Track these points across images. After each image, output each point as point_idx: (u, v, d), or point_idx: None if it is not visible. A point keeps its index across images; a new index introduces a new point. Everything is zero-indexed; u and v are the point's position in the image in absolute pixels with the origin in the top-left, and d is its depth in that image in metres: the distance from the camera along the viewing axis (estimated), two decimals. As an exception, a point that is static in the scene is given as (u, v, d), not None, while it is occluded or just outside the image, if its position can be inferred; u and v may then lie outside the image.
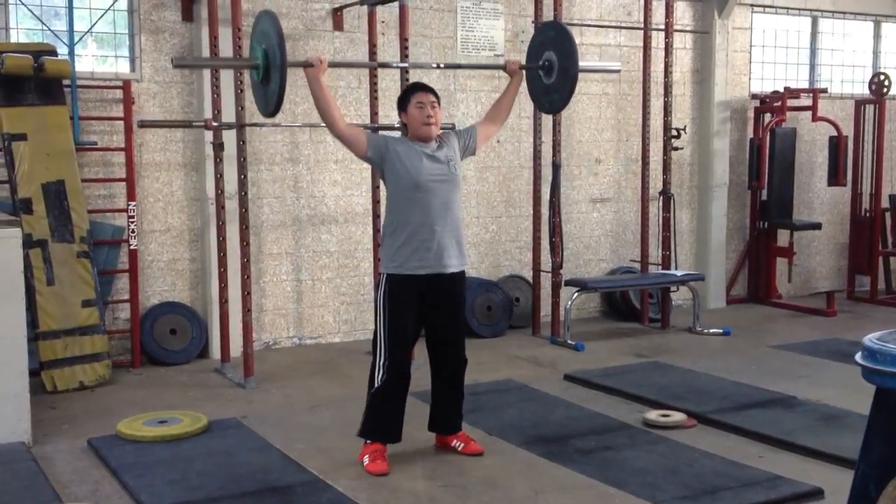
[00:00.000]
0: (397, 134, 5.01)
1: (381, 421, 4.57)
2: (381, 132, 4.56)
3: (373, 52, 6.77)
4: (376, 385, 4.53)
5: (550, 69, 4.97)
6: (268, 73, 4.37)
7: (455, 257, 4.57)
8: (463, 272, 4.67)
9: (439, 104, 4.60)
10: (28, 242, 5.88)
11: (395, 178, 4.51)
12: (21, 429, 4.92)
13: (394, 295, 4.50)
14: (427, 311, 4.58)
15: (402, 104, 4.62)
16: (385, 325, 4.50)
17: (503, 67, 5.04)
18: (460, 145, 4.71)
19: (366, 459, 4.54)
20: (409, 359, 4.63)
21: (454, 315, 4.67)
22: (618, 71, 5.33)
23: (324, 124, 4.65)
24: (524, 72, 5.06)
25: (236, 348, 6.56)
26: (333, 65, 4.63)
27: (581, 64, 4.97)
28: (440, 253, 4.50)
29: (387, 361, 4.49)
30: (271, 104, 4.43)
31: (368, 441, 4.59)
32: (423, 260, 4.48)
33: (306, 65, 4.47)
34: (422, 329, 4.67)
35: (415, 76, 7.38)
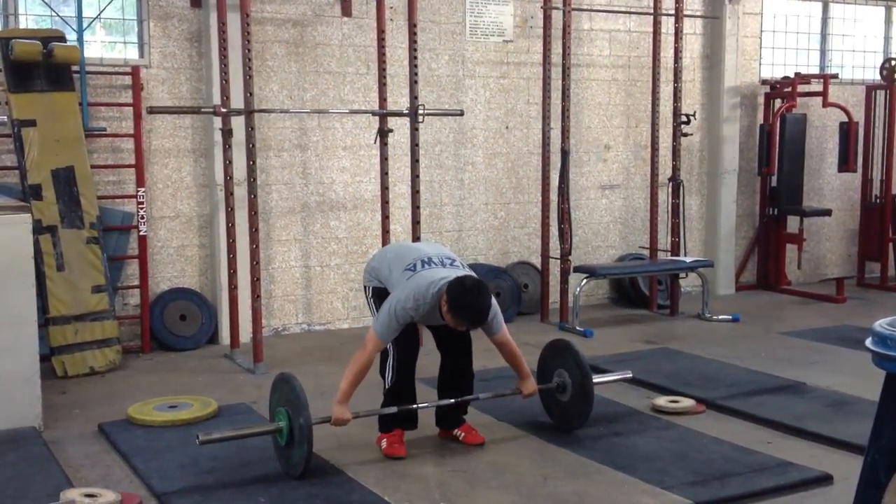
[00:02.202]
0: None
1: (398, 414, 4.60)
2: (403, 312, 4.34)
3: (381, 39, 6.75)
4: (387, 385, 4.60)
5: (564, 388, 4.90)
6: (292, 436, 4.25)
7: None
8: None
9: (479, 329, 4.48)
10: (38, 228, 5.89)
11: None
12: (32, 413, 4.94)
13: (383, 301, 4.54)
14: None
15: (449, 306, 4.26)
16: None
17: (518, 391, 4.85)
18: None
19: (384, 443, 4.59)
20: (413, 360, 4.62)
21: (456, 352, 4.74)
22: (629, 377, 5.43)
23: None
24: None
25: (245, 334, 6.58)
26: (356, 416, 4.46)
27: (595, 380, 4.89)
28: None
29: (395, 362, 4.54)
30: (298, 468, 4.24)
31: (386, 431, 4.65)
32: None
33: (330, 422, 4.41)
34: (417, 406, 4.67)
35: (422, 67, 7.38)
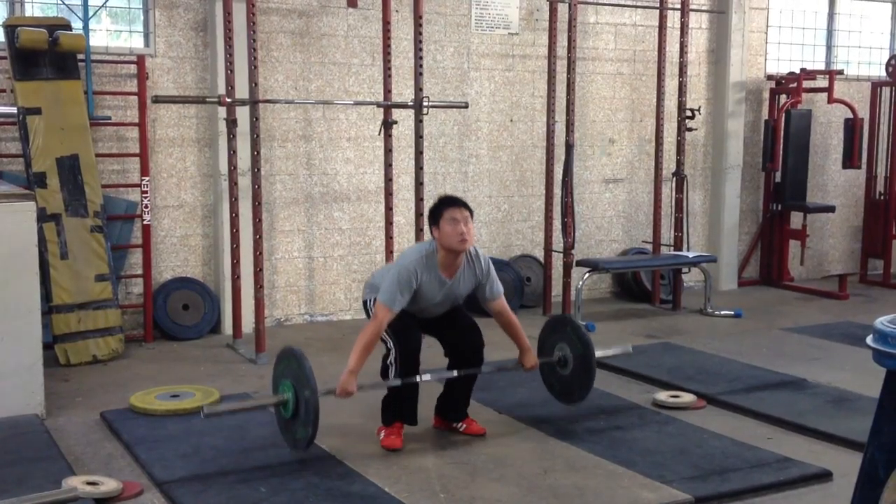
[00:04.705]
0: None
1: (400, 409, 4.61)
2: (407, 276, 4.41)
3: (387, 30, 6.74)
4: (391, 378, 4.58)
5: (566, 363, 4.90)
6: (297, 409, 4.26)
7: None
8: None
9: (472, 217, 4.50)
10: (42, 216, 5.90)
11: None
12: (35, 401, 4.96)
13: None
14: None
15: (434, 218, 4.47)
16: (390, 327, 4.49)
17: (520, 364, 4.88)
18: (476, 281, 4.63)
19: (382, 434, 4.61)
20: (417, 351, 4.62)
21: (456, 308, 4.74)
22: (630, 353, 5.45)
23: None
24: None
25: (248, 324, 6.60)
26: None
27: (597, 353, 4.91)
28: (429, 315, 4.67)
29: (397, 355, 4.53)
30: (303, 437, 4.28)
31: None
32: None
33: (335, 393, 4.40)
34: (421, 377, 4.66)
35: (427, 58, 7.37)
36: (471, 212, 4.49)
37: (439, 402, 4.84)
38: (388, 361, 4.58)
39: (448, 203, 4.50)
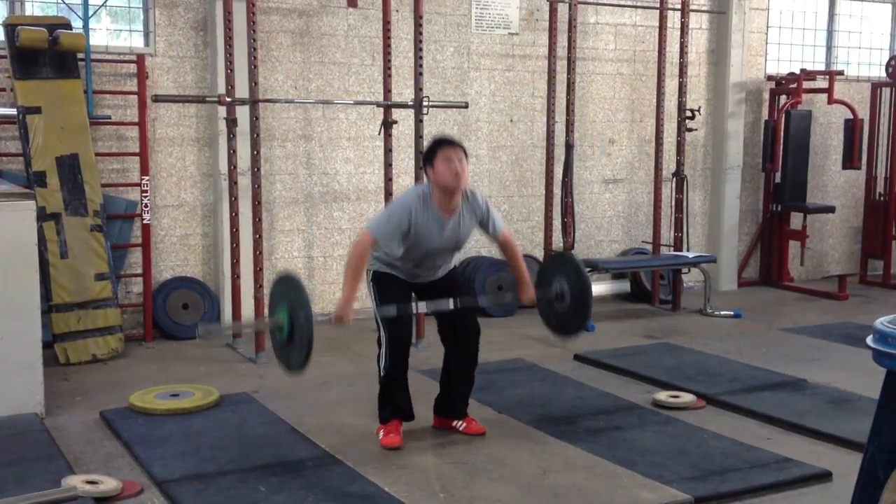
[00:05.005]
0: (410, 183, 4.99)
1: (394, 404, 4.61)
2: (400, 209, 4.46)
3: (387, 30, 6.74)
4: (382, 373, 4.58)
5: (562, 297, 4.85)
6: (292, 334, 4.26)
7: (445, 271, 4.68)
8: (454, 269, 4.78)
9: (467, 158, 4.51)
10: (42, 215, 5.90)
11: (406, 240, 4.47)
12: (34, 400, 4.96)
13: (381, 283, 4.57)
14: (422, 293, 4.64)
15: (429, 159, 4.47)
16: (380, 313, 4.51)
17: (517, 297, 4.89)
18: (481, 226, 4.65)
19: (381, 434, 4.59)
20: (407, 339, 4.61)
21: (452, 287, 4.69)
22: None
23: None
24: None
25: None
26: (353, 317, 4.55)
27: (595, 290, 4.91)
28: (429, 277, 4.64)
29: (389, 346, 4.52)
30: (296, 361, 4.30)
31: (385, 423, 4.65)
32: (410, 277, 4.61)
33: (332, 320, 4.44)
34: (417, 308, 4.64)
35: (427, 58, 7.37)
36: (465, 152, 4.53)
37: (438, 401, 4.83)
38: (381, 353, 4.56)
39: (442, 143, 4.51)
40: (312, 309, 4.24)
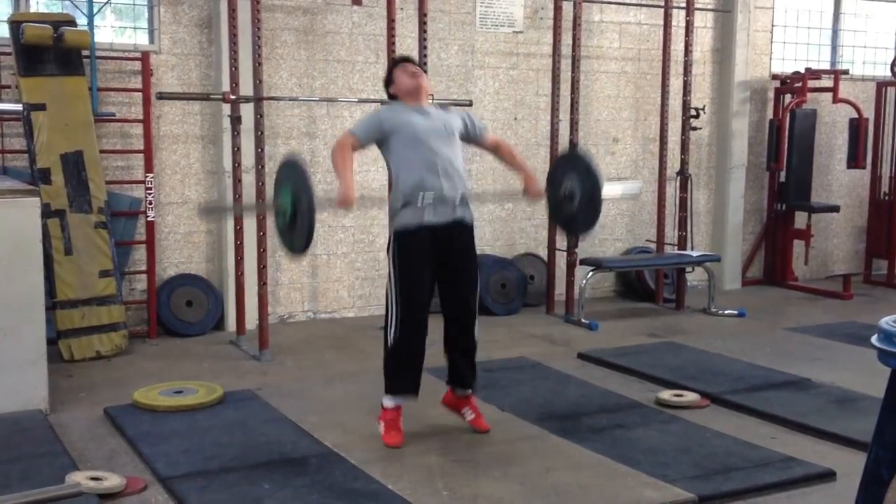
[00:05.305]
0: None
1: (400, 375, 4.52)
2: (370, 113, 4.61)
3: (391, 28, 6.74)
4: (390, 343, 4.47)
5: (572, 197, 4.84)
6: (295, 217, 4.28)
7: (462, 209, 4.55)
8: (471, 227, 4.65)
9: (425, 73, 4.71)
10: (46, 212, 5.91)
11: (393, 136, 4.48)
12: (38, 396, 4.97)
13: (404, 248, 4.46)
14: (440, 262, 4.51)
15: (389, 77, 4.72)
16: (397, 281, 4.43)
17: (525, 190, 4.87)
18: (463, 123, 4.66)
19: (381, 428, 4.56)
20: (425, 313, 4.49)
21: (467, 265, 4.62)
22: (639, 192, 5.41)
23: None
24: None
25: (251, 321, 6.60)
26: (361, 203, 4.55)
27: (604, 191, 4.87)
28: (447, 203, 4.48)
29: (401, 315, 4.41)
30: (299, 245, 4.34)
31: (387, 406, 4.58)
32: (429, 211, 4.45)
33: (336, 205, 4.45)
34: (435, 286, 4.58)
35: (432, 56, 7.37)
36: (422, 69, 4.73)
37: (449, 372, 4.76)
38: (390, 324, 4.45)
39: (398, 61, 4.82)
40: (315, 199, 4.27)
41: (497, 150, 4.86)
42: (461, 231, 4.57)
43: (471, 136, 4.74)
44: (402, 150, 4.48)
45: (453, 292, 4.63)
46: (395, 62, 4.84)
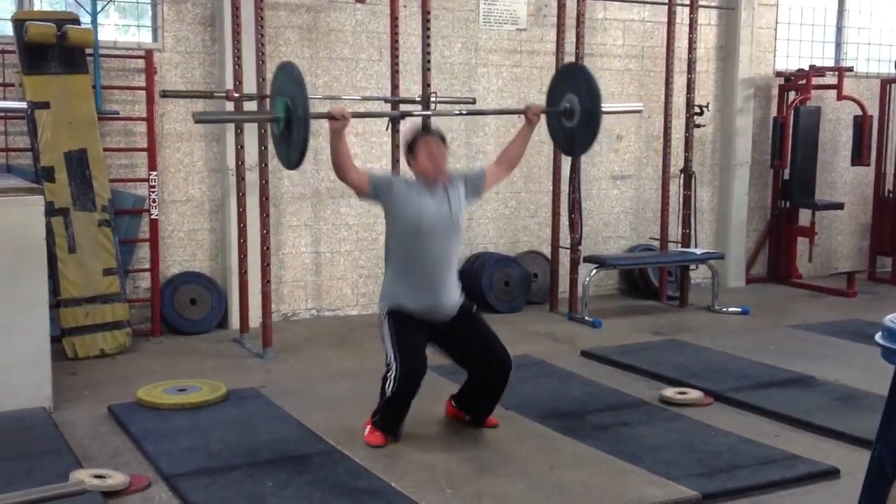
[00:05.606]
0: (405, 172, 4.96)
1: (390, 422, 4.50)
2: (388, 170, 4.52)
3: (394, 25, 6.73)
4: (388, 394, 4.42)
5: (572, 114, 4.85)
6: (289, 126, 4.28)
7: (453, 297, 4.56)
8: (468, 305, 4.66)
9: (447, 147, 4.55)
10: (50, 210, 5.91)
11: (395, 218, 4.50)
12: (42, 394, 4.98)
13: (397, 321, 4.46)
14: (439, 332, 4.54)
15: (410, 149, 4.55)
16: (394, 342, 4.40)
17: (523, 112, 4.95)
18: (467, 190, 4.64)
19: (367, 429, 4.51)
20: (421, 371, 4.43)
21: (476, 326, 4.62)
22: (640, 110, 5.42)
23: (339, 175, 4.60)
24: (541, 116, 4.97)
25: (255, 319, 6.60)
26: (357, 115, 4.53)
27: (604, 107, 4.93)
28: (437, 294, 4.49)
29: (398, 373, 4.36)
30: (293, 158, 4.35)
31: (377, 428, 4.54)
32: (420, 300, 4.47)
33: (329, 117, 4.41)
34: (432, 342, 4.57)
35: (435, 54, 7.37)
36: (445, 142, 4.57)
37: (463, 396, 4.72)
38: (388, 376, 4.40)
39: (422, 134, 4.61)
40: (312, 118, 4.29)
41: (500, 163, 4.90)
42: (455, 310, 4.58)
43: (478, 189, 4.72)
44: (402, 232, 4.47)
45: (470, 341, 4.59)
46: (420, 133, 4.61)
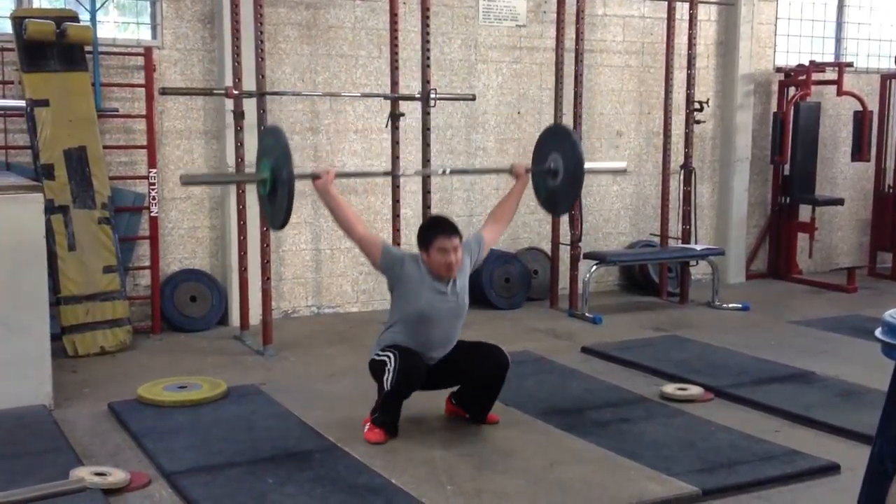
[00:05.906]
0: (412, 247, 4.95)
1: (390, 417, 4.52)
2: (399, 248, 4.49)
3: (394, 22, 6.73)
4: (386, 388, 4.43)
5: (556, 173, 4.89)
6: (275, 188, 4.30)
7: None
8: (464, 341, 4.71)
9: (461, 242, 4.50)
10: (50, 208, 5.91)
11: (402, 299, 4.51)
12: (43, 392, 4.98)
13: (393, 343, 4.51)
14: (436, 373, 4.59)
15: (424, 244, 4.48)
16: (391, 348, 4.46)
17: (509, 171, 5.01)
18: (471, 262, 4.65)
19: (366, 426, 4.52)
20: (419, 366, 4.47)
21: (460, 344, 4.66)
22: (623, 170, 5.49)
23: (345, 232, 4.62)
24: (530, 174, 4.99)
25: (255, 316, 6.61)
26: (342, 175, 4.59)
27: (587, 166, 4.98)
28: (441, 353, 4.59)
29: (397, 367, 4.38)
30: (278, 219, 4.37)
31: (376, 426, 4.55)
32: (422, 353, 4.55)
33: (314, 177, 4.45)
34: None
35: (435, 51, 7.36)
36: (460, 236, 4.49)
37: (460, 392, 4.75)
38: (386, 370, 4.41)
39: (438, 230, 4.47)
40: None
41: (496, 211, 4.92)
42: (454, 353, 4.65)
43: (480, 259, 4.73)
44: (407, 314, 4.49)
45: (467, 356, 4.63)
46: (436, 230, 4.48)
